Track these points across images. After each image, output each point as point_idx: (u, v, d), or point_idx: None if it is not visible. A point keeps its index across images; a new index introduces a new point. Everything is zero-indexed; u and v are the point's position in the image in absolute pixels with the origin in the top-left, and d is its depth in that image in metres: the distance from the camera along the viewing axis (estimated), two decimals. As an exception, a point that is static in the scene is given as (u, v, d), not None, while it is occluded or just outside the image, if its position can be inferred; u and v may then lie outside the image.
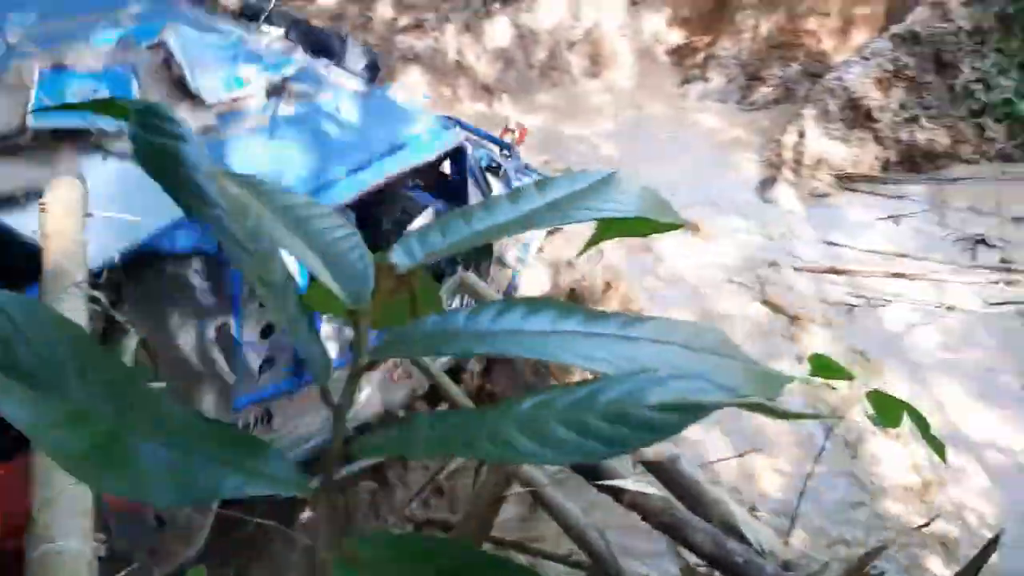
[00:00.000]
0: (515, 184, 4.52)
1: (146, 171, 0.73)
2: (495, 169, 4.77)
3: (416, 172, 3.81)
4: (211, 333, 3.03)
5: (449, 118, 4.80)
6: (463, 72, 8.98)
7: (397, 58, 8.61)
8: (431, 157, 3.78)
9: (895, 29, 8.20)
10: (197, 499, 0.67)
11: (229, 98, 3.32)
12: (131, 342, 2.22)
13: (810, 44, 9.13)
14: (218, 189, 0.74)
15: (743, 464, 4.69)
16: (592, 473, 1.94)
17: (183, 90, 3.25)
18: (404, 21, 9.14)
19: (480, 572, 0.68)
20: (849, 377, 1.98)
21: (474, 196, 4.03)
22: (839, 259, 6.64)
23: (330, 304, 0.89)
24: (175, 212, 1.50)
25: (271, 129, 3.39)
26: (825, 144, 7.72)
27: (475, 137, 5.19)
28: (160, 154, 0.73)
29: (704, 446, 4.97)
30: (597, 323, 0.76)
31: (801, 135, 7.78)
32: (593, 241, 1.07)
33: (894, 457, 4.79)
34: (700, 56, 9.67)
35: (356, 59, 4.37)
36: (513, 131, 5.53)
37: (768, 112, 8.86)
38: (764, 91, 9.12)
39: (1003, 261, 6.50)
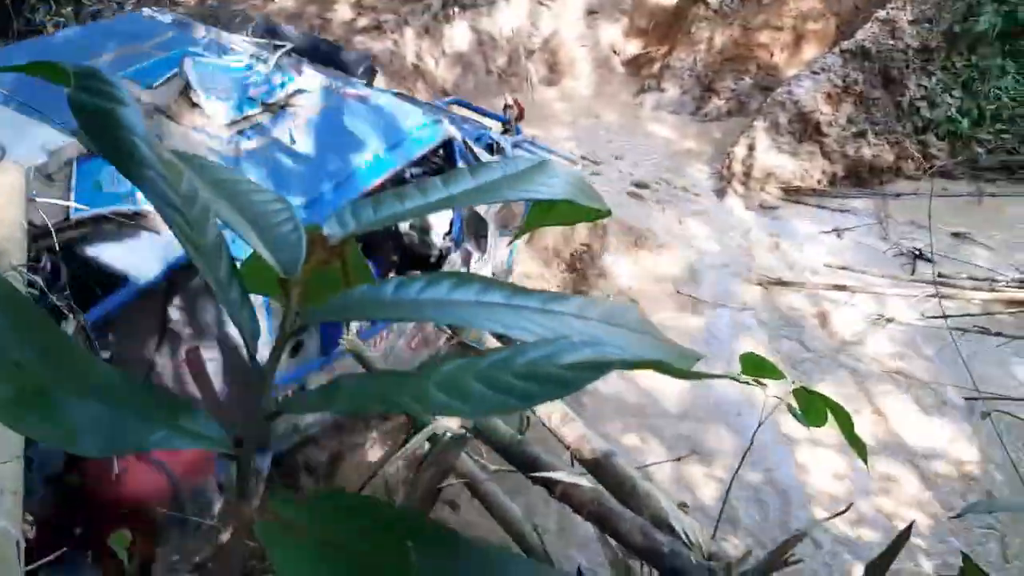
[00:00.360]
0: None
1: (84, 132, 0.75)
2: (493, 148, 5.18)
3: (415, 162, 4.26)
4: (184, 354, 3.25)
5: (455, 100, 5.53)
6: (421, 75, 8.99)
7: (354, 59, 8.59)
8: (427, 149, 4.26)
9: (845, 45, 8.39)
10: (124, 450, 0.69)
11: (241, 118, 3.69)
12: (69, 326, 2.23)
13: (763, 57, 9.31)
14: (154, 154, 0.75)
15: (680, 470, 4.76)
16: (528, 466, 1.97)
17: (200, 113, 3.61)
18: (363, 22, 9.13)
19: (398, 528, 0.71)
20: (779, 376, 2.03)
21: None
22: (786, 270, 6.77)
23: (263, 280, 0.91)
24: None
25: (287, 139, 3.79)
26: (775, 157, 7.87)
27: (476, 116, 5.91)
28: (97, 115, 0.74)
29: (643, 452, 5.04)
30: (521, 297, 0.79)
31: (751, 148, 7.92)
32: (525, 227, 1.11)
33: (825, 466, 4.90)
34: (656, 67, 9.80)
35: (355, 65, 4.96)
36: (512, 107, 6.04)
37: (721, 124, 9.01)
38: (717, 103, 9.27)
39: (940, 276, 6.67)
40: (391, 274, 4.29)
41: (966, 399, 5.02)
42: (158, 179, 0.74)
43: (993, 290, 6.46)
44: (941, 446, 5.16)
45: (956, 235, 7.35)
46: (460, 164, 4.31)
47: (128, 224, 3.10)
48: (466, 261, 4.69)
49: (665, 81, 9.57)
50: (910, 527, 1.82)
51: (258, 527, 0.70)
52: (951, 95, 8.32)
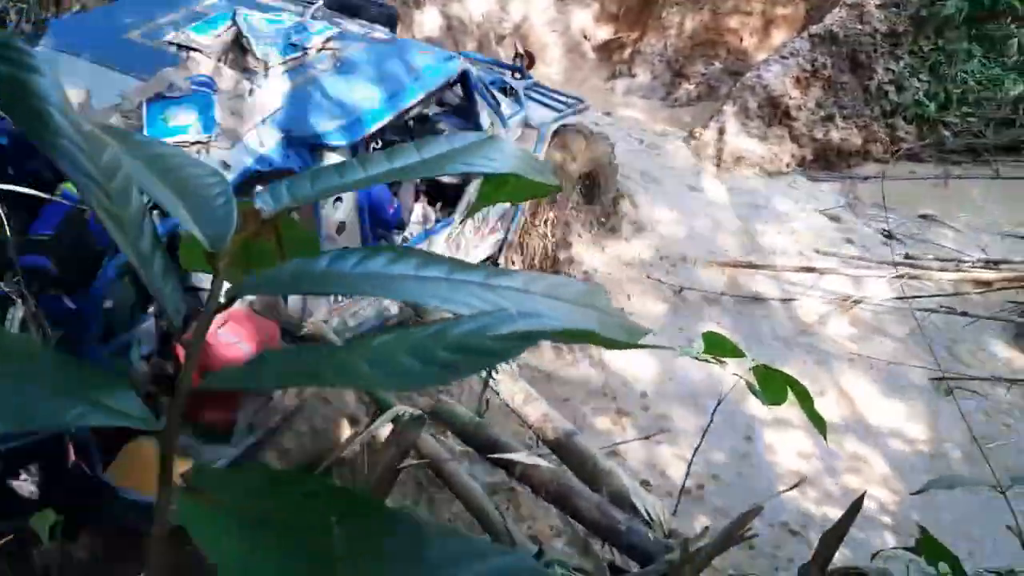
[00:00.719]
0: (525, 101, 5.79)
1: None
2: (507, 91, 5.79)
3: (433, 95, 4.91)
4: None
5: (464, 54, 5.86)
6: (390, 60, 8.92)
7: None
8: (445, 79, 4.87)
9: (814, 29, 8.42)
10: (38, 426, 0.68)
11: (287, 59, 4.37)
12: (18, 312, 2.20)
13: (732, 42, 9.33)
14: (69, 124, 0.74)
15: (650, 450, 4.78)
16: (487, 448, 1.97)
17: (251, 58, 4.29)
18: (332, 7, 9.04)
19: (325, 502, 0.70)
20: (740, 355, 2.04)
21: (483, 113, 5.19)
22: (755, 253, 6.81)
23: (196, 258, 0.90)
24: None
25: (328, 75, 4.45)
26: (744, 141, 7.90)
27: (488, 65, 6.40)
28: (10, 83, 0.73)
29: (614, 434, 5.07)
30: (462, 272, 0.78)
31: (722, 132, 7.94)
32: (477, 204, 1.10)
33: (792, 445, 4.94)
34: (627, 52, 9.80)
35: (380, 16, 5.40)
36: (523, 55, 6.64)
37: (691, 108, 9.03)
38: (688, 88, 9.30)
39: (908, 257, 6.74)
40: (415, 208, 5.10)
41: (931, 379, 5.07)
42: (73, 148, 0.72)
43: (959, 271, 6.52)
44: (905, 425, 5.23)
45: (924, 217, 7.43)
46: (477, 99, 5.13)
47: (192, 148, 3.78)
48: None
49: (636, 66, 9.57)
50: (862, 497, 1.84)
51: (180, 501, 0.68)
52: (918, 79, 8.38)
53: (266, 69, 4.27)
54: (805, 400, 1.90)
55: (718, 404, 2.15)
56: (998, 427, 5.26)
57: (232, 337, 3.54)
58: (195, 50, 4.26)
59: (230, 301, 0.79)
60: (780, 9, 9.30)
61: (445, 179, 5.07)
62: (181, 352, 3.30)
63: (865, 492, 2.12)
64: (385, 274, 0.79)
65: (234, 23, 4.40)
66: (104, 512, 3.16)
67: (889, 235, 7.07)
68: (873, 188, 7.67)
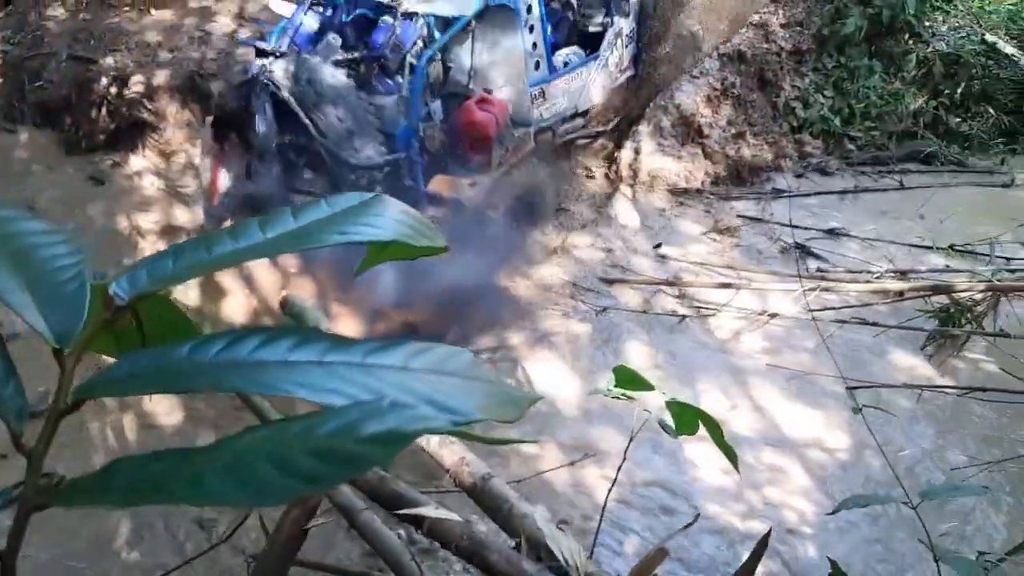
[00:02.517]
0: None
1: None
2: None
3: None
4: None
5: None
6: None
7: (237, 71, 8.38)
8: None
9: (722, 49, 8.62)
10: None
11: None
12: None
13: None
14: None
15: (576, 474, 4.80)
16: (393, 503, 1.94)
17: None
18: (245, 34, 8.92)
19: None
20: (649, 388, 2.06)
21: None
22: (672, 272, 6.92)
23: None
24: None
25: None
26: (659, 160, 8.03)
27: None
28: None
29: (541, 459, 5.07)
30: (340, 351, 0.75)
31: (637, 152, 8.06)
32: (364, 266, 1.07)
33: (715, 463, 5.01)
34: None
35: None
36: None
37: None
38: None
39: (819, 270, 6.92)
40: (566, 48, 7.24)
41: (846, 388, 5.20)
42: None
43: (869, 282, 6.71)
44: (822, 435, 5.35)
45: (833, 230, 7.64)
46: None
47: None
48: (617, 32, 7.52)
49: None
50: (767, 536, 1.87)
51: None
52: (823, 95, 8.66)
53: None
54: (715, 432, 1.92)
55: (629, 443, 2.16)
56: (910, 434, 5.42)
57: (484, 106, 6.17)
58: None
59: (76, 404, 0.75)
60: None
61: (591, 28, 7.39)
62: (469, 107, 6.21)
63: (770, 530, 2.16)
64: (251, 362, 0.74)
65: None
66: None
67: (800, 248, 7.25)
68: (784, 202, 7.87)
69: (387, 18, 6.18)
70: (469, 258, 6.38)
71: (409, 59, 6.05)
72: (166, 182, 7.60)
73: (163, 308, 0.99)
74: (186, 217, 7.24)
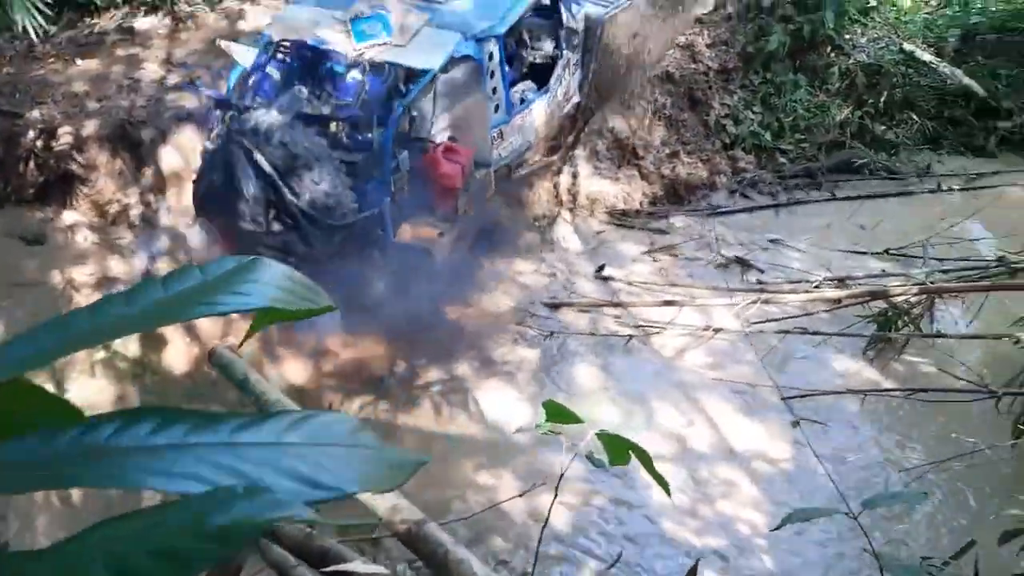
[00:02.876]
0: (580, 4, 7.87)
1: None
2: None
3: (532, 6, 7.19)
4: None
5: None
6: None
7: (168, 118, 8.30)
8: None
9: (651, 72, 8.77)
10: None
11: None
12: None
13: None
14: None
15: (531, 502, 4.79)
16: (319, 560, 1.92)
17: None
18: (173, 79, 8.85)
19: None
20: (578, 421, 2.08)
21: (563, 10, 7.55)
22: (615, 293, 6.98)
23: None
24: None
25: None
26: (597, 183, 8.12)
27: None
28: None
29: (495, 490, 5.07)
30: (205, 431, 0.70)
31: (575, 176, 8.14)
32: (252, 329, 1.06)
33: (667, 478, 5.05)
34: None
35: None
36: None
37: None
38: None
39: (759, 282, 7.04)
40: (520, 84, 7.29)
41: (783, 399, 5.29)
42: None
43: (808, 291, 6.84)
44: (768, 448, 5.42)
45: (773, 241, 7.77)
46: (562, 4, 7.53)
47: (381, 46, 6.28)
48: (565, 65, 7.60)
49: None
50: (696, 566, 1.89)
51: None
52: (752, 111, 8.85)
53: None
54: (646, 462, 1.94)
55: (561, 477, 2.17)
56: (856, 440, 5.52)
57: (450, 156, 6.29)
58: None
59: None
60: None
61: (540, 60, 7.54)
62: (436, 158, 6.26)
63: (699, 560, 2.18)
64: (107, 450, 0.68)
65: None
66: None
67: (740, 262, 7.37)
68: (722, 218, 8.01)
69: (355, 73, 6.26)
70: (418, 292, 6.40)
71: (378, 115, 6.08)
72: (100, 235, 7.48)
73: (35, 395, 0.89)
74: (122, 268, 7.13)
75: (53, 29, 9.29)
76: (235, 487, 0.62)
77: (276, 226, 5.88)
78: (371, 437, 0.80)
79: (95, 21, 9.56)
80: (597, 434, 2.04)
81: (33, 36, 8.60)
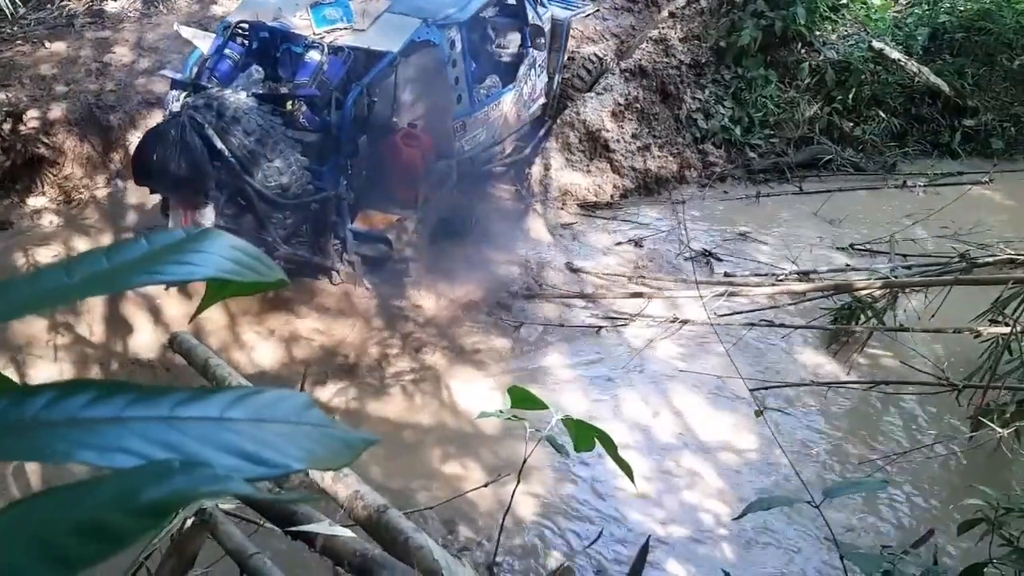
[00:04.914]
0: (546, 7, 8.09)
1: None
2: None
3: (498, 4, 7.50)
4: None
5: None
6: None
7: (138, 103, 8.23)
8: None
9: (624, 65, 8.82)
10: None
11: None
12: None
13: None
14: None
15: (499, 492, 4.83)
16: (286, 520, 1.94)
17: None
18: (144, 64, 8.77)
19: None
20: (543, 407, 2.10)
21: (529, 9, 7.64)
22: (585, 284, 7.03)
23: None
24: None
25: None
26: (569, 175, 8.16)
27: None
28: None
29: (463, 479, 5.10)
30: (145, 404, 0.67)
31: (547, 167, 8.18)
32: (202, 305, 1.02)
33: (635, 468, 5.11)
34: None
35: None
36: None
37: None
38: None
39: (727, 275, 7.12)
40: (486, 79, 7.37)
41: (751, 390, 5.36)
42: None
43: (775, 284, 6.93)
44: (735, 437, 5.50)
45: (740, 235, 7.86)
46: (527, 1, 7.59)
47: (343, 31, 6.36)
48: (531, 63, 7.69)
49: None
50: (647, 542, 1.93)
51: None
52: (723, 105, 8.93)
53: None
54: (611, 449, 1.97)
55: (523, 463, 2.20)
56: (819, 432, 5.61)
57: (410, 142, 6.23)
58: None
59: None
60: (591, 47, 9.67)
61: (506, 58, 7.71)
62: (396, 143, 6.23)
63: (649, 536, 2.23)
64: (35, 422, 0.65)
65: None
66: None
67: (708, 255, 7.45)
68: (692, 212, 8.08)
69: (314, 54, 6.24)
70: (382, 278, 6.41)
71: (336, 95, 6.03)
72: (66, 219, 7.41)
73: None
74: (87, 246, 7.07)
75: (22, 10, 9.17)
76: (171, 461, 0.59)
77: (227, 204, 5.84)
78: (320, 414, 0.77)
79: (65, 3, 9.45)
80: (562, 419, 2.07)
81: (7, 13, 8.49)
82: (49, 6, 9.41)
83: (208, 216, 5.78)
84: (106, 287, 0.78)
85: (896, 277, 6.68)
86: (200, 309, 1.02)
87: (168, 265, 0.78)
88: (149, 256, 0.79)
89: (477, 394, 5.91)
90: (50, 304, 0.78)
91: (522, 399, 2.20)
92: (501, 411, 2.19)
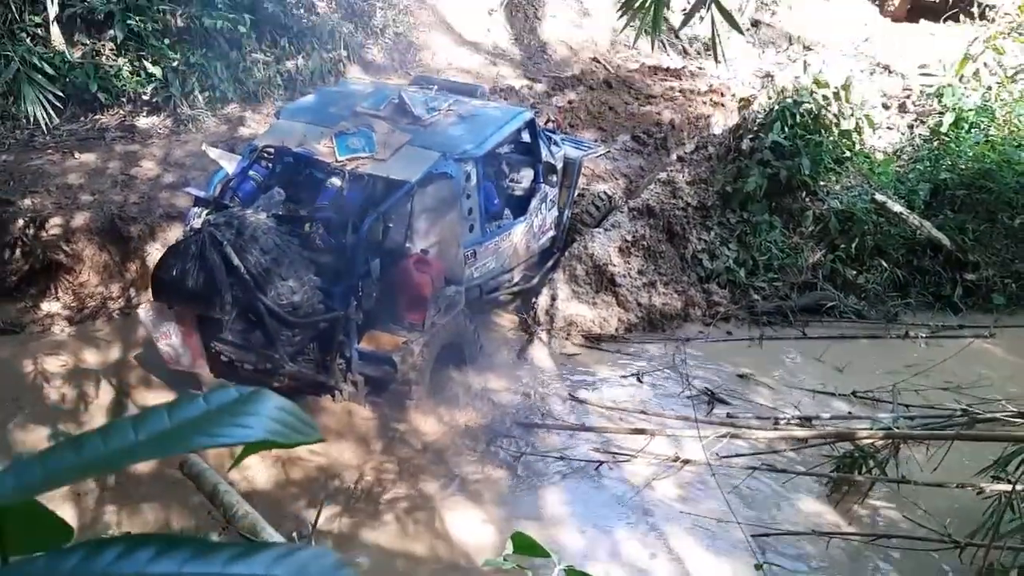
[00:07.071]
0: (559, 146, 8.71)
1: None
2: (551, 140, 8.63)
3: (515, 132, 7.79)
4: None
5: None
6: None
7: (159, 215, 8.44)
8: (520, 123, 7.75)
9: (632, 203, 9.08)
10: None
11: (431, 117, 7.17)
12: None
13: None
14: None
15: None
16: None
17: (409, 115, 7.06)
18: (169, 179, 9.04)
19: None
20: (546, 555, 2.10)
21: (543, 148, 8.17)
22: (587, 416, 7.03)
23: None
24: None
25: (454, 122, 7.23)
26: (575, 306, 8.28)
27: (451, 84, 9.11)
28: None
29: None
30: (201, 560, 0.74)
31: (554, 298, 8.30)
32: (238, 460, 1.09)
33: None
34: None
35: (477, 92, 8.46)
36: (553, 120, 10.09)
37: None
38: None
39: (729, 416, 7.12)
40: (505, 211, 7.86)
41: (751, 536, 5.29)
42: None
43: (776, 428, 6.92)
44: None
45: (742, 376, 7.89)
46: (541, 140, 8.16)
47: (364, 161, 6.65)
48: (543, 198, 8.19)
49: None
50: None
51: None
52: (728, 247, 9.12)
53: (421, 120, 7.07)
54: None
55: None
56: (819, 581, 5.50)
57: (420, 267, 6.42)
58: (371, 115, 6.99)
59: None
60: (601, 185, 9.97)
61: (519, 192, 8.18)
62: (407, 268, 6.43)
63: None
64: (111, 574, 0.72)
65: (399, 97, 7.16)
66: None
67: (711, 395, 7.47)
68: (695, 350, 8.15)
69: (335, 180, 6.67)
70: (390, 404, 6.43)
71: (353, 220, 6.29)
72: (77, 327, 7.49)
73: (33, 514, 0.91)
74: (95, 359, 7.13)
75: (56, 121, 9.52)
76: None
77: (238, 320, 5.98)
78: (352, 572, 0.84)
79: (98, 117, 9.81)
80: (566, 569, 2.06)
81: (43, 125, 8.82)
82: (83, 119, 9.78)
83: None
84: (168, 449, 0.83)
85: (899, 428, 6.67)
86: (236, 463, 1.07)
87: (224, 427, 0.85)
88: (206, 417, 0.86)
89: (473, 526, 5.84)
90: (121, 464, 0.83)
91: (526, 546, 2.20)
92: (505, 558, 2.18)
